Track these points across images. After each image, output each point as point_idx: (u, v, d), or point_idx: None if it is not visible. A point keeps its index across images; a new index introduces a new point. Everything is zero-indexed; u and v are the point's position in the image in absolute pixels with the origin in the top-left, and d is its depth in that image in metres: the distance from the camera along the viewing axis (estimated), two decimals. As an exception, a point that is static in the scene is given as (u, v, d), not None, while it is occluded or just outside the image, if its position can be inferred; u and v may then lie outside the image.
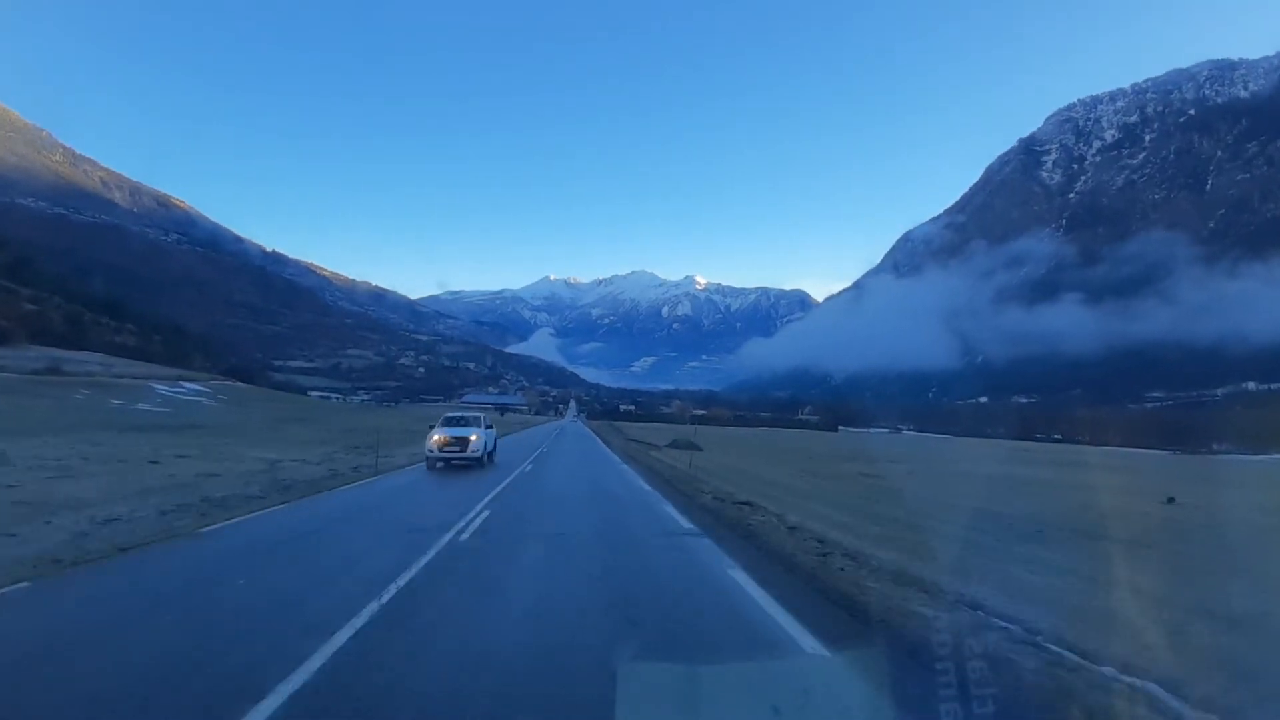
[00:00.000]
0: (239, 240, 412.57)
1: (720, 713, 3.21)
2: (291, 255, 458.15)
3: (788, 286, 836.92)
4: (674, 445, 34.85)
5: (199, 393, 49.57)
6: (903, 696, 3.60)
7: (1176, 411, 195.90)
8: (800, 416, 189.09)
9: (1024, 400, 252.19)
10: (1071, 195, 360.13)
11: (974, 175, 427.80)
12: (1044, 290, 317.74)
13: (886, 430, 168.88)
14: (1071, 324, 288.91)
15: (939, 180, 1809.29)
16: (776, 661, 4.22)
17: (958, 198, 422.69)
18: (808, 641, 4.64)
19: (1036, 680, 3.83)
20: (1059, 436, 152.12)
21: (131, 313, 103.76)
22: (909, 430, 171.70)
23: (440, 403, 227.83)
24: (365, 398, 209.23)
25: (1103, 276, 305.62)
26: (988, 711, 3.12)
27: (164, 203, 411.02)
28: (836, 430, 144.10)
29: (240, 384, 67.71)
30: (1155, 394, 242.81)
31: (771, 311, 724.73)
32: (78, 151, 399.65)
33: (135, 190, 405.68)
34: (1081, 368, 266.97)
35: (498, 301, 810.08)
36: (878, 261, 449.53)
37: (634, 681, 3.47)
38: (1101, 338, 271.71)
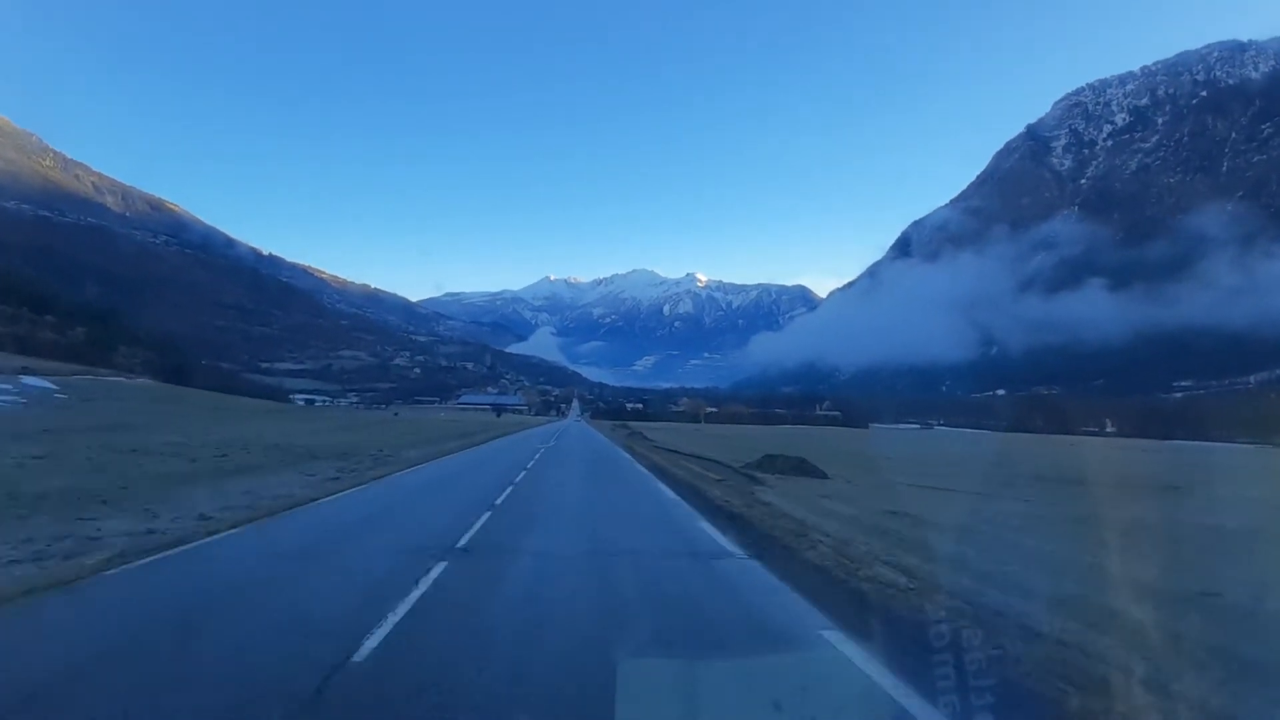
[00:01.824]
0: (233, 243, 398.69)
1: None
2: (289, 259, 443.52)
3: (789, 283, 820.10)
4: (767, 468, 17.83)
5: (31, 390, 33.74)
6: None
7: (1218, 400, 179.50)
8: (819, 412, 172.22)
9: (1044, 392, 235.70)
10: (1083, 181, 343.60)
11: (978, 166, 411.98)
12: (1059, 278, 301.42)
13: (917, 426, 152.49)
14: (1091, 312, 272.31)
15: (943, 172, 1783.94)
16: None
17: (964, 188, 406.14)
18: None
19: None
20: (1113, 430, 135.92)
21: (62, 306, 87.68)
22: (940, 425, 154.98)
23: (436, 404, 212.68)
24: (354, 400, 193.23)
25: (1120, 262, 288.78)
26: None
27: (157, 206, 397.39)
28: (868, 427, 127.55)
29: (150, 381, 51.86)
30: (1183, 383, 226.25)
31: (774, 308, 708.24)
32: (69, 156, 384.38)
33: (127, 194, 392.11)
34: (1104, 357, 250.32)
35: (498, 302, 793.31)
36: (882, 254, 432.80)
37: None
38: (1123, 325, 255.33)
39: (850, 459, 23.47)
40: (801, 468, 17.58)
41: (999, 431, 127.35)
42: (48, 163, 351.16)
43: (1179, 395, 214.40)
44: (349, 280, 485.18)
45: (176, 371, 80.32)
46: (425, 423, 57.08)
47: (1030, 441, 60.62)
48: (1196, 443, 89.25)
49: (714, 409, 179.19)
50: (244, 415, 40.79)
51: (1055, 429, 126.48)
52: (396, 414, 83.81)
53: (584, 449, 28.64)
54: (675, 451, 26.47)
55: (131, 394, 39.31)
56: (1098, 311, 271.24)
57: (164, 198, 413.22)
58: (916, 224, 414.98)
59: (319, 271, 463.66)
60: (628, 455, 24.35)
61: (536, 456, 21.49)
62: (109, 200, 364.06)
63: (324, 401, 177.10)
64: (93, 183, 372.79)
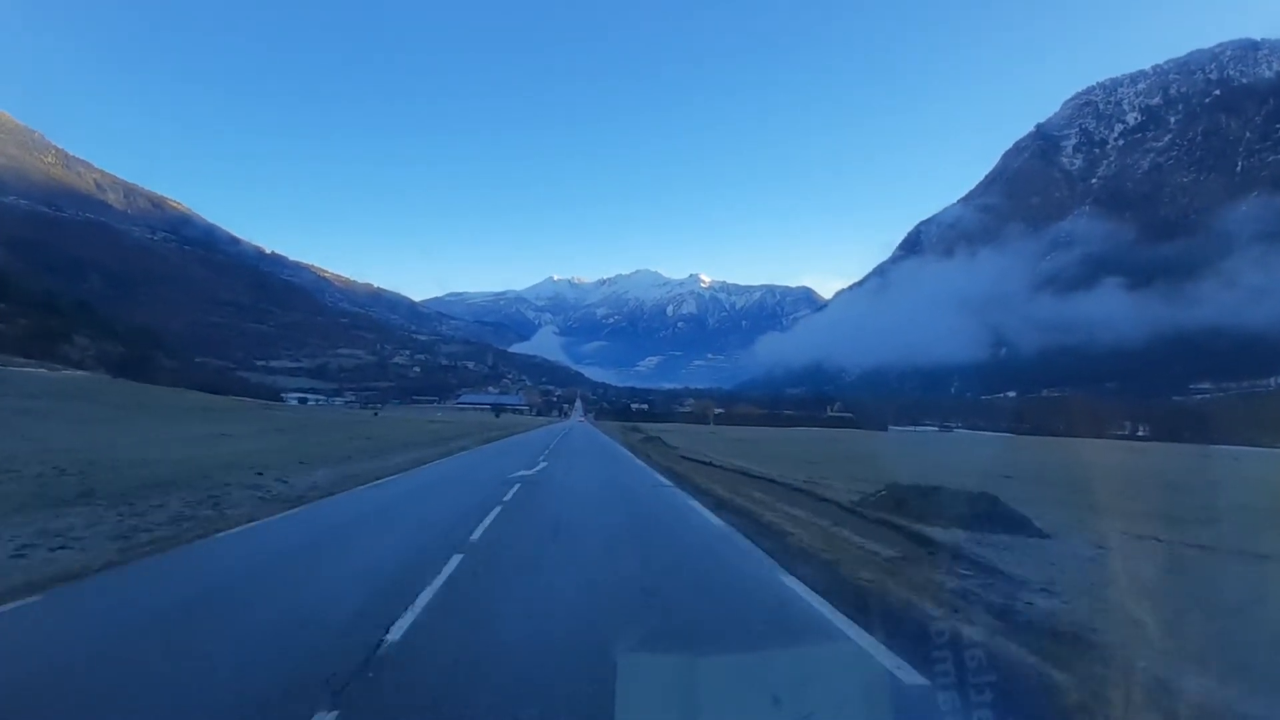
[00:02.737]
0: (234, 240, 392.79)
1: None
2: (293, 257, 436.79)
3: (793, 284, 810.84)
4: (918, 511, 9.64)
5: None
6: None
7: (1245, 403, 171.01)
8: (830, 414, 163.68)
9: (1055, 394, 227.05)
10: (1094, 180, 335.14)
11: (986, 167, 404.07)
12: (1070, 278, 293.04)
13: (935, 428, 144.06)
14: (1103, 312, 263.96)
15: (949, 173, 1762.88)
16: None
17: (971, 188, 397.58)
18: None
19: None
20: (1142, 434, 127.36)
21: (18, 295, 79.82)
22: (959, 428, 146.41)
23: (434, 403, 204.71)
24: (351, 398, 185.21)
25: (1133, 262, 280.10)
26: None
27: (160, 204, 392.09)
28: (886, 430, 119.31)
29: (83, 373, 44.14)
30: (1201, 385, 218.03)
31: (777, 309, 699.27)
32: (71, 153, 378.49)
33: (130, 192, 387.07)
34: (1116, 358, 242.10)
35: (501, 302, 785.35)
36: (889, 255, 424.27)
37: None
38: (1135, 326, 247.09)
39: (988, 484, 15.01)
40: (994, 514, 9.27)
41: (1026, 435, 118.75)
42: (50, 159, 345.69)
43: (1198, 398, 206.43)
44: (352, 280, 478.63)
45: (139, 365, 72.31)
46: (404, 424, 48.85)
47: (1099, 449, 52.36)
48: (1247, 449, 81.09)
49: (720, 410, 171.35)
50: (171, 415, 32.77)
51: (1081, 432, 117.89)
52: (376, 413, 75.51)
53: (595, 467, 19.09)
54: (712, 465, 18.23)
55: (23, 387, 31.40)
56: (1110, 312, 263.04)
57: (169, 196, 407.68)
58: (926, 222, 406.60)
59: (322, 270, 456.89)
60: (664, 480, 15.16)
61: (512, 492, 11.91)
62: (111, 197, 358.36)
63: (318, 400, 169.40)
64: (95, 180, 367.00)
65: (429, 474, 15.07)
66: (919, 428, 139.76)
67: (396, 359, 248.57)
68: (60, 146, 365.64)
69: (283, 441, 22.68)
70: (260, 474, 12.30)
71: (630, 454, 25.86)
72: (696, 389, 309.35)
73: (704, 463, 19.94)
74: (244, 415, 39.78)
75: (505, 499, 10.93)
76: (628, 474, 17.46)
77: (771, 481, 13.99)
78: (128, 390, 42.55)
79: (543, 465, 18.21)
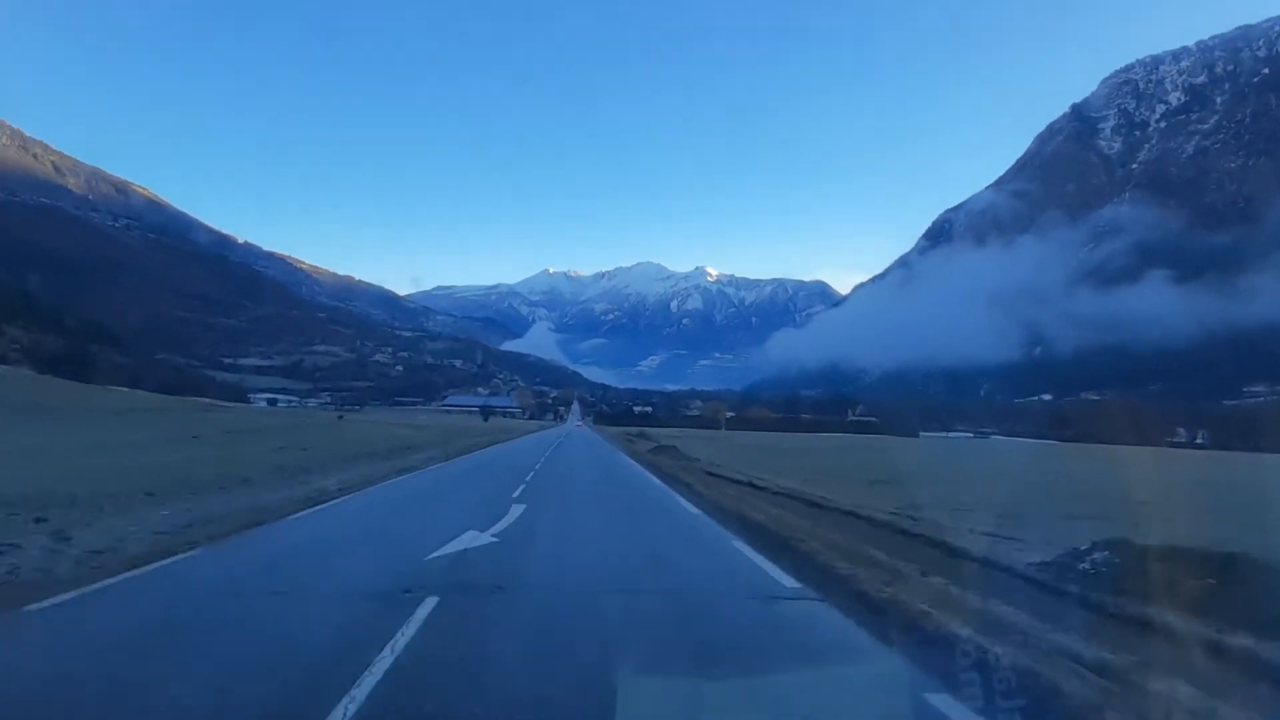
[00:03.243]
0: (204, 229, 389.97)
1: None
2: (266, 247, 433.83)
3: (807, 278, 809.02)
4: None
5: None
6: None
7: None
8: (853, 418, 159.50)
9: (1094, 397, 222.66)
10: (1134, 165, 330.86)
11: (1017, 150, 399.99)
12: (1109, 271, 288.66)
13: (969, 434, 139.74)
14: (1146, 308, 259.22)
15: (979, 157, 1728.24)
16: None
17: (1002, 173, 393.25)
18: None
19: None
20: (1200, 441, 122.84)
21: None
22: (995, 434, 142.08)
23: (417, 405, 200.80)
24: (326, 400, 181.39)
25: (1178, 254, 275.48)
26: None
27: (123, 189, 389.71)
28: (917, 436, 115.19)
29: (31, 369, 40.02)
30: (1256, 388, 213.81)
31: (789, 304, 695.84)
32: (27, 134, 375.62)
33: (92, 176, 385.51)
34: (1161, 358, 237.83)
35: (492, 296, 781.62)
36: (913, 245, 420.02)
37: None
38: (1182, 323, 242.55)
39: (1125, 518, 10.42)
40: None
41: (1070, 442, 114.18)
42: (3, 140, 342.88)
43: (1251, 401, 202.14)
44: (332, 271, 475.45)
45: (78, 362, 68.41)
46: (370, 429, 44.40)
47: (1178, 460, 48.01)
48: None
49: (731, 413, 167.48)
50: (75, 419, 28.56)
51: (1128, 439, 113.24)
52: (341, 417, 71.39)
53: (609, 518, 12.20)
54: (754, 486, 13.80)
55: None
56: (1155, 307, 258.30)
57: (134, 181, 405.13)
58: (954, 210, 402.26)
59: (298, 261, 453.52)
60: (747, 550, 7.96)
61: (404, 640, 4.39)
62: (70, 181, 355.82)
63: (290, 402, 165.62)
64: (53, 162, 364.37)
65: (313, 526, 9.47)
66: (951, 434, 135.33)
67: (377, 357, 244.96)
68: (16, 126, 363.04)
69: (188, 454, 18.24)
70: (44, 520, 7.90)
71: (651, 475, 20.17)
72: (704, 390, 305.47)
73: (742, 482, 15.51)
74: (171, 418, 35.51)
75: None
76: (672, 535, 10.04)
77: (872, 522, 9.56)
78: (40, 388, 38.34)
79: (518, 512, 11.00)
